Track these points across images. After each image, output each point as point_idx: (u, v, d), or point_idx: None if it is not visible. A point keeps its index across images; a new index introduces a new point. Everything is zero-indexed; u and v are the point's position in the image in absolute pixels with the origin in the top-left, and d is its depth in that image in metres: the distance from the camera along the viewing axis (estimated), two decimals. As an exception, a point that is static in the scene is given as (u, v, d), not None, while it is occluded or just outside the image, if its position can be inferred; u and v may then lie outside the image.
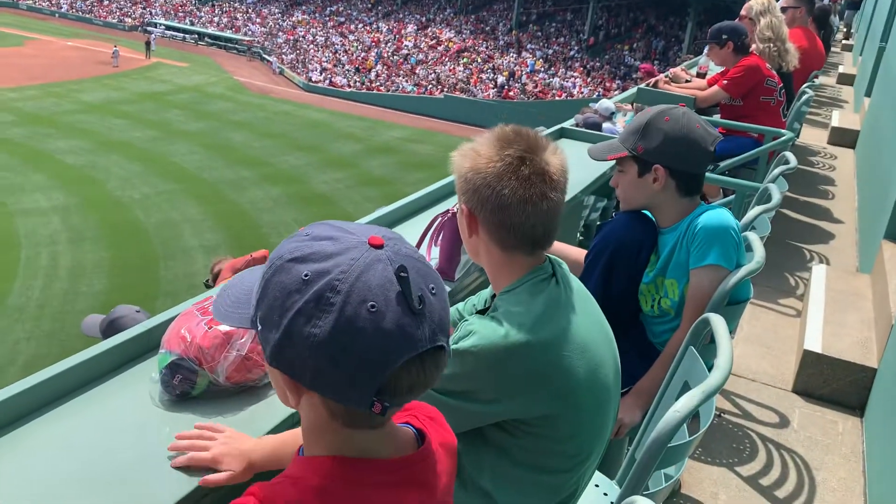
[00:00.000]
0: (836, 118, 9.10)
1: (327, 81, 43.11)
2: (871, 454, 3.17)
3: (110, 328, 3.03)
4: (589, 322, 1.58)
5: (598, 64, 41.65)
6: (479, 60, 43.62)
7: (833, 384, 3.66)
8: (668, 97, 5.34)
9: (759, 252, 2.21)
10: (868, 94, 9.06)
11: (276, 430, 1.55)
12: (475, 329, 1.47)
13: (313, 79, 43.33)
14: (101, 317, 3.28)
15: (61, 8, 58.42)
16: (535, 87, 39.72)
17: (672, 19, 42.83)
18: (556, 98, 37.98)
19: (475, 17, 48.74)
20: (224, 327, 1.60)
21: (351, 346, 0.91)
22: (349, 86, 42.51)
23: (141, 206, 22.91)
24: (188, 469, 1.40)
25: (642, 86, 5.70)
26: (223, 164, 27.36)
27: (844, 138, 8.44)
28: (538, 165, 1.53)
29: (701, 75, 6.26)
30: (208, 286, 3.63)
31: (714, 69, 5.97)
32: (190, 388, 1.57)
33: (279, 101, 38.52)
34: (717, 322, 1.70)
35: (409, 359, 0.93)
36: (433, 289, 0.98)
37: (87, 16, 57.09)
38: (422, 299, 0.94)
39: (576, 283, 1.63)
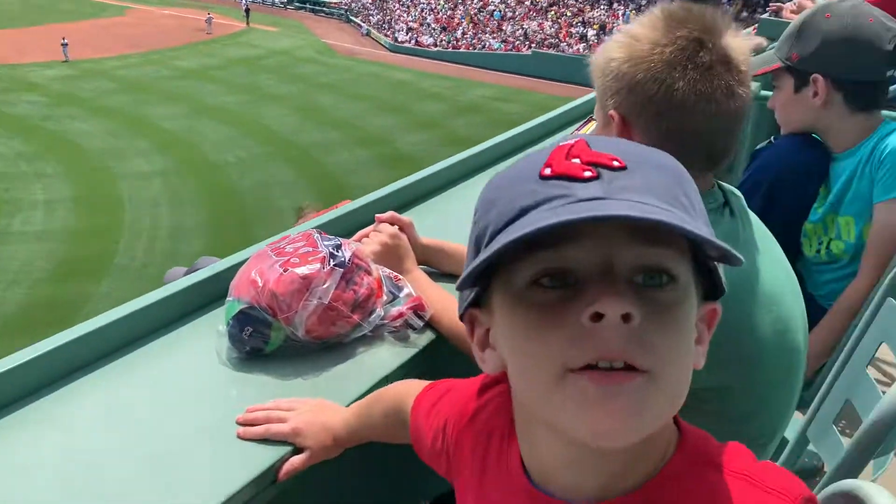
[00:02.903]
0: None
1: (413, 41, 42.71)
2: None
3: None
4: (775, 266, 1.21)
5: (695, 13, 39.44)
6: (569, 14, 42.17)
7: None
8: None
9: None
10: None
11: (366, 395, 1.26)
12: None
13: (399, 39, 43.02)
14: (184, 269, 3.10)
15: (157, -23, 60.00)
16: (628, 39, 38.08)
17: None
18: (651, 51, 36.23)
19: (564, -30, 47.05)
20: (303, 269, 1.30)
21: None
22: (435, 45, 41.98)
23: (236, 169, 23.39)
24: (262, 443, 1.12)
25: (765, 16, 5.09)
26: (313, 126, 27.59)
27: None
28: (721, 51, 1.14)
29: None
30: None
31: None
32: (263, 343, 1.29)
33: (366, 63, 38.50)
34: (936, 265, 1.29)
35: None
36: None
37: (182, -16, 58.50)
38: None
39: (754, 217, 1.25)
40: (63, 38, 36.33)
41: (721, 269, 1.08)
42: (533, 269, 0.62)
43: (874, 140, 1.84)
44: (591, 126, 2.26)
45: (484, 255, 0.62)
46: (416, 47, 41.69)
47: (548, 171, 0.62)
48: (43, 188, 21.41)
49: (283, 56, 38.97)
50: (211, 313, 1.43)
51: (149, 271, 17.24)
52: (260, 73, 35.04)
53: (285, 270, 1.30)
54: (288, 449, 1.12)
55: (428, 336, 1.41)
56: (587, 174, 0.61)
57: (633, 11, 40.29)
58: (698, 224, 0.61)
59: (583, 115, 2.57)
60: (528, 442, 0.74)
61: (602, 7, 41.98)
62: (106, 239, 18.71)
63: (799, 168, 1.94)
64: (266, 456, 1.10)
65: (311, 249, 1.36)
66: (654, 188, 0.61)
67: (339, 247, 1.38)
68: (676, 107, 1.15)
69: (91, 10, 48.39)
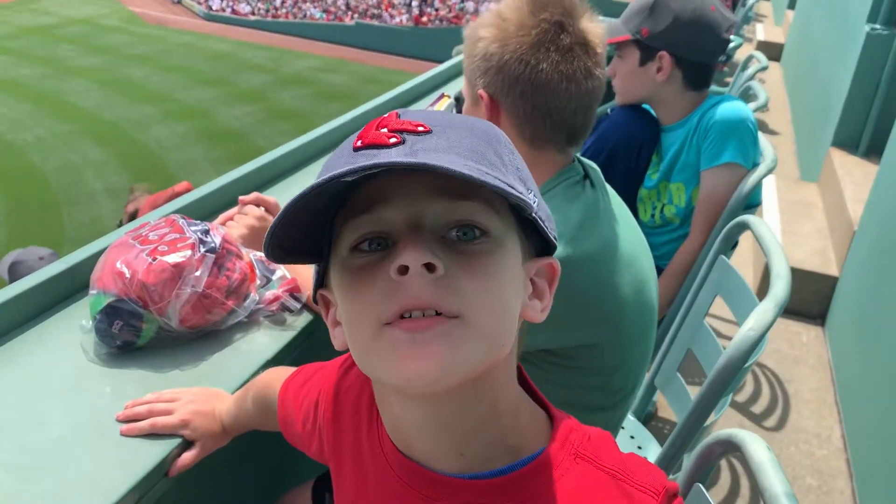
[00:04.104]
0: (762, 32, 9.06)
1: (229, 10, 40.82)
2: (838, 363, 3.12)
3: (12, 274, 2.60)
4: (630, 232, 1.32)
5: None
6: (390, -15, 42.07)
7: (795, 295, 3.59)
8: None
9: (767, 149, 1.98)
10: (791, 6, 9.04)
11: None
12: None
13: (214, 7, 40.93)
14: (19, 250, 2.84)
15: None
16: (449, 12, 38.73)
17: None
18: (471, 24, 37.04)
19: (383, -60, 46.77)
20: (173, 257, 1.25)
21: None
22: (253, 14, 40.38)
23: (36, 150, 21.31)
24: (149, 438, 1.08)
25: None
26: (124, 101, 25.68)
27: (770, 52, 8.42)
28: (580, 34, 1.23)
29: None
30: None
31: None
32: (134, 336, 1.23)
33: (179, 33, 36.30)
34: (758, 224, 1.46)
35: None
36: None
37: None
38: None
39: (609, 188, 1.36)
40: None
41: (574, 233, 1.16)
42: (353, 236, 0.64)
43: (699, 113, 2.03)
44: (444, 102, 2.31)
45: (276, 218, 0.63)
46: (233, 16, 39.85)
47: (359, 143, 0.64)
48: None
49: (84, 25, 35.82)
50: (68, 308, 1.34)
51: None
52: (59, 44, 32.01)
53: (154, 259, 1.24)
54: (177, 441, 1.09)
55: (305, 318, 1.41)
56: (392, 140, 0.63)
57: (453, -16, 40.94)
58: (508, 178, 0.63)
59: (431, 89, 2.61)
60: (385, 411, 0.74)
61: (422, -21, 42.24)
62: None
63: (635, 138, 2.11)
64: (155, 451, 1.06)
65: (178, 236, 1.31)
66: (456, 147, 0.63)
67: (207, 232, 1.34)
68: (541, 86, 1.22)
69: None
